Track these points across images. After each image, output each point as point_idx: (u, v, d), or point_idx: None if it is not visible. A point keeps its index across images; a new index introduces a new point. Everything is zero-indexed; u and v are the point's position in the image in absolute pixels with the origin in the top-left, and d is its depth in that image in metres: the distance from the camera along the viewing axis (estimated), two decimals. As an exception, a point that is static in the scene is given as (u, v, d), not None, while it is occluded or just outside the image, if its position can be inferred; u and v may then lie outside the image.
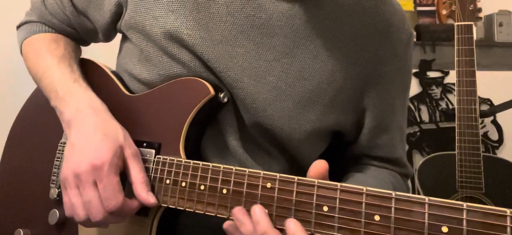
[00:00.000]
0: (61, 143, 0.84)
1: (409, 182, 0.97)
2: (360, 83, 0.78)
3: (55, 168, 0.83)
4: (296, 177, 0.57)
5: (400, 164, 0.89)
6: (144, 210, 0.70)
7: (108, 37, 0.88)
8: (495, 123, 2.18)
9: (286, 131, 0.75)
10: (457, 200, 1.69)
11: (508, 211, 0.45)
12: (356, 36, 0.77)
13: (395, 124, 0.85)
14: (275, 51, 0.73)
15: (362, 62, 0.77)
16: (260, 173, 0.60)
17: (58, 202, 0.79)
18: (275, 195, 0.58)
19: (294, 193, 0.57)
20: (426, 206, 0.48)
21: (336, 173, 0.65)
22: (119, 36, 0.88)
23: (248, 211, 0.59)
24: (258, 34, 0.73)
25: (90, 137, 0.68)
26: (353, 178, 0.82)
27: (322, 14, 0.74)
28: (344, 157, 0.91)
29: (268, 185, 0.59)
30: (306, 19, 0.73)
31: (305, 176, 0.64)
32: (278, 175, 0.59)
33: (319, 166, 0.58)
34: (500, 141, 2.18)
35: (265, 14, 0.73)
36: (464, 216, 0.46)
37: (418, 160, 1.98)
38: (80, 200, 0.66)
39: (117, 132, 0.70)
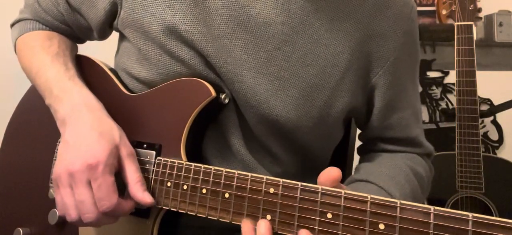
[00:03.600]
0: (59, 142, 0.83)
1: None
2: (365, 62, 0.76)
3: (53, 167, 0.82)
4: (299, 183, 0.57)
5: (416, 144, 0.86)
6: (145, 211, 0.70)
7: (103, 36, 0.87)
8: (495, 123, 2.18)
9: (292, 120, 0.73)
10: (456, 200, 1.69)
11: (515, 222, 0.44)
12: (355, 14, 0.75)
13: (406, 101, 0.83)
14: (274, 40, 0.72)
15: (364, 40, 0.75)
16: (263, 178, 0.59)
17: (58, 201, 0.78)
18: (278, 201, 0.57)
19: (298, 199, 0.56)
20: (432, 216, 0.48)
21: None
22: (116, 33, 0.87)
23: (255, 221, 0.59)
24: (255, 25, 0.72)
25: (85, 135, 0.67)
26: (365, 170, 0.81)
27: None
28: (357, 151, 0.89)
29: (271, 190, 0.58)
30: (301, 3, 0.72)
31: (306, 177, 0.63)
32: (281, 180, 0.58)
33: (330, 173, 0.55)
34: (500, 141, 2.18)
35: (259, 2, 0.72)
36: (470, 227, 0.46)
37: (418, 160, 1.98)
38: (72, 199, 0.65)
39: (112, 131, 0.69)
